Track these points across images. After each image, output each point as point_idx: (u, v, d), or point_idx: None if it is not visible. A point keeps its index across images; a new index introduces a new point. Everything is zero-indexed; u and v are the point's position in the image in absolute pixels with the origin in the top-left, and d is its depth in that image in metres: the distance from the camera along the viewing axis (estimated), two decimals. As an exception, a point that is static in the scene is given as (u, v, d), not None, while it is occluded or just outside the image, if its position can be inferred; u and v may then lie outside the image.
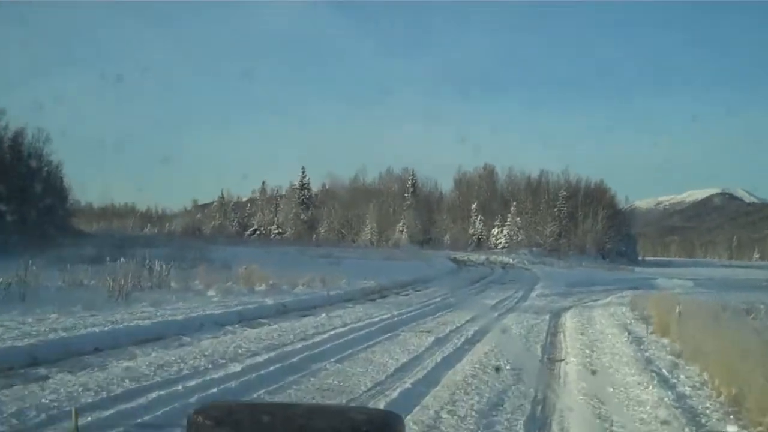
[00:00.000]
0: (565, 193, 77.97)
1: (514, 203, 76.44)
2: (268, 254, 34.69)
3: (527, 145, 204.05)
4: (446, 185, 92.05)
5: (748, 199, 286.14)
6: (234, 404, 1.27)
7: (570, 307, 18.60)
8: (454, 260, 50.26)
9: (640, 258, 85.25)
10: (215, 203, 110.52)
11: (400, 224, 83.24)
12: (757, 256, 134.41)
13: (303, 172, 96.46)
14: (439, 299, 19.31)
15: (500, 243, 75.12)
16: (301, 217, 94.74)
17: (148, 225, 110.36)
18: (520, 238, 73.82)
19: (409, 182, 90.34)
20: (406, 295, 20.96)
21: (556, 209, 76.40)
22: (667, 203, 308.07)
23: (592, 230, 74.75)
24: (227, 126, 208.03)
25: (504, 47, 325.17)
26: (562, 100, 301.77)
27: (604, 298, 22.67)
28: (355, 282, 21.95)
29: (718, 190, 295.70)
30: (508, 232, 75.10)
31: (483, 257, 57.09)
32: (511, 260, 54.98)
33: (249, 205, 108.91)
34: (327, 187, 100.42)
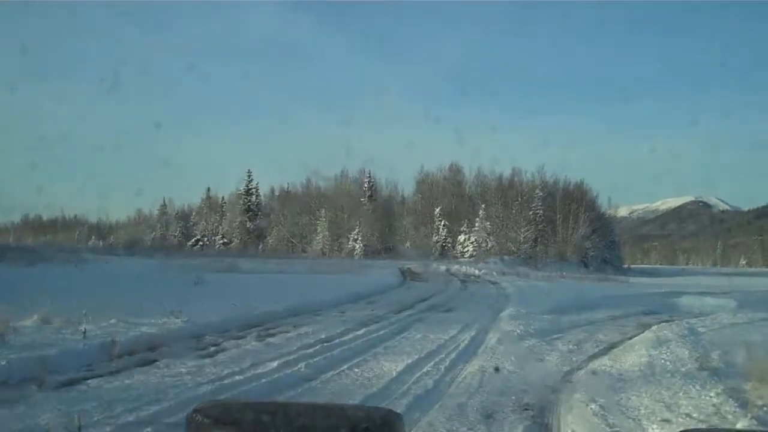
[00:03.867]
0: (540, 193, 67.97)
1: (483, 205, 66.27)
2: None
3: (500, 148, 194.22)
4: (409, 188, 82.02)
5: (721, 206, 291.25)
6: (233, 403, 1.25)
7: (574, 392, 8.00)
8: (403, 272, 39.86)
9: (625, 266, 75.47)
10: (157, 212, 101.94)
11: (355, 232, 73.11)
12: (744, 262, 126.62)
13: (249, 176, 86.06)
14: (261, 370, 8.65)
15: (467, 251, 64.83)
16: (247, 226, 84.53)
17: (92, 237, 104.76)
18: (489, 245, 63.57)
19: (366, 185, 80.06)
20: (210, 356, 10.24)
21: (531, 212, 66.34)
22: (640, 211, 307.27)
23: (573, 236, 64.78)
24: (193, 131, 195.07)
25: (482, 48, 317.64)
26: (540, 102, 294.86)
27: (629, 343, 12.30)
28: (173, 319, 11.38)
29: (692, 198, 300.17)
30: (476, 239, 64.85)
31: (443, 267, 46.59)
32: (477, 271, 44.64)
33: (194, 213, 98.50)
34: (276, 192, 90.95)
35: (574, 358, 10.40)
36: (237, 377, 7.64)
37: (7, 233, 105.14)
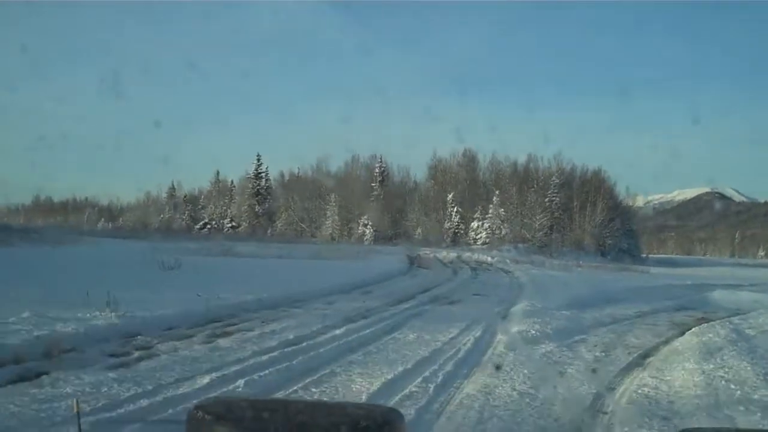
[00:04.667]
0: (557, 180, 65.24)
1: (497, 192, 63.72)
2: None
3: (516, 138, 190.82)
4: (421, 175, 79.49)
5: (737, 198, 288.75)
6: (234, 400, 1.21)
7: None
8: (411, 259, 37.67)
9: (643, 256, 72.61)
10: (165, 195, 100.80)
11: (365, 217, 71.05)
12: (762, 253, 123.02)
13: (258, 160, 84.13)
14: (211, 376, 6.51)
15: (480, 238, 62.40)
16: (256, 210, 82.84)
17: (101, 219, 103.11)
18: (503, 232, 61.11)
19: (377, 170, 77.72)
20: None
21: (546, 199, 63.71)
22: (656, 202, 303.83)
23: (590, 223, 62.11)
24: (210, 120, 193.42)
25: (495, 41, 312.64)
26: (554, 95, 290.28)
27: (668, 350, 10.06)
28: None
29: (708, 189, 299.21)
30: (489, 226, 62.38)
31: (454, 254, 44.30)
32: (489, 258, 42.34)
33: (202, 197, 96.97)
34: (286, 177, 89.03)
35: (603, 373, 8.15)
36: (141, 402, 5.47)
37: (18, 214, 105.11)
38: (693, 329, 11.78)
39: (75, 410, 1.82)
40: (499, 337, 10.44)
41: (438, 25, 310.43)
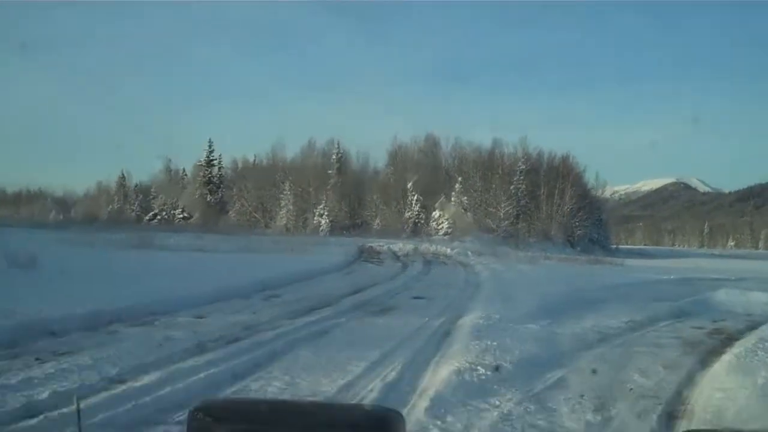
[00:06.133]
0: (523, 166, 61.46)
1: (459, 179, 59.82)
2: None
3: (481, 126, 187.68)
4: (382, 162, 74.96)
5: (702, 188, 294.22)
6: (234, 401, 1.33)
7: None
8: (361, 251, 33.72)
9: (613, 246, 69.51)
10: (115, 185, 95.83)
11: (321, 207, 66.69)
12: (732, 243, 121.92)
13: (210, 146, 79.20)
14: None
15: (442, 228, 58.38)
16: (208, 200, 77.88)
17: (53, 211, 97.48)
18: (466, 222, 57.20)
19: (335, 157, 73.07)
20: None
21: (512, 186, 59.94)
22: (622, 192, 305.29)
23: (559, 212, 58.57)
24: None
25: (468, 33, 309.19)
26: (517, 83, 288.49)
27: (704, 402, 5.96)
28: None
29: (673, 180, 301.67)
30: (451, 215, 58.43)
31: (411, 246, 40.22)
32: (449, 250, 38.43)
33: (154, 186, 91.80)
34: (240, 164, 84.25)
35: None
36: None
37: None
38: (724, 357, 7.80)
39: (76, 406, 1.58)
40: (425, 382, 6.29)
41: (401, 11, 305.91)
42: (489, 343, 8.01)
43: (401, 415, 1.12)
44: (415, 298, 14.14)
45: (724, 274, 28.87)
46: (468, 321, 10.05)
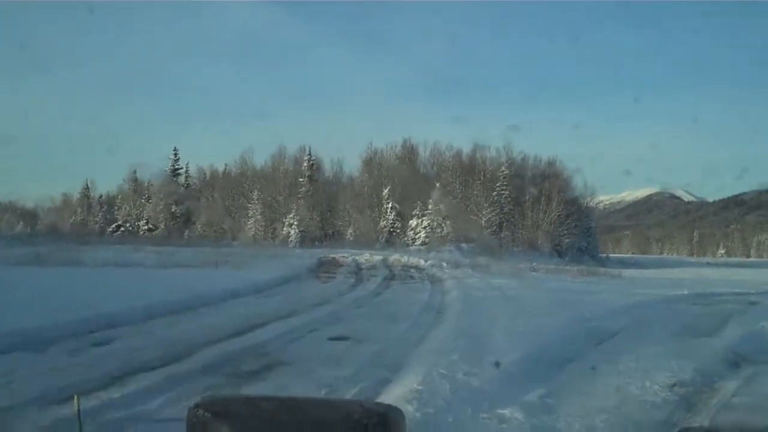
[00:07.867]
0: (506, 172, 56.93)
1: (438, 184, 55.14)
2: None
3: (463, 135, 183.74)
4: (357, 170, 69.99)
5: (687, 198, 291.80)
6: (233, 398, 1.22)
7: None
8: (321, 264, 29.12)
9: (603, 255, 65.12)
10: (78, 195, 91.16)
11: (290, 216, 61.70)
12: (722, 251, 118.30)
13: (175, 155, 74.47)
14: None
15: (419, 238, 53.64)
16: (173, 210, 72.79)
17: (20, 223, 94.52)
18: (445, 230, 52.42)
19: (306, 164, 67.87)
20: None
21: (495, 193, 55.41)
22: (606, 202, 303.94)
23: (545, 220, 53.97)
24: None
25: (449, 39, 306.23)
26: (503, 92, 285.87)
27: None
28: None
29: (657, 190, 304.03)
30: (429, 224, 53.66)
31: (379, 258, 35.47)
32: (423, 262, 33.68)
33: (119, 197, 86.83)
34: (207, 174, 79.28)
35: None
36: None
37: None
38: None
39: (76, 405, 1.77)
40: None
41: (377, 17, 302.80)
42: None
43: (401, 412, 1.10)
44: (334, 339, 9.23)
45: (739, 287, 24.69)
46: (393, 397, 5.22)
